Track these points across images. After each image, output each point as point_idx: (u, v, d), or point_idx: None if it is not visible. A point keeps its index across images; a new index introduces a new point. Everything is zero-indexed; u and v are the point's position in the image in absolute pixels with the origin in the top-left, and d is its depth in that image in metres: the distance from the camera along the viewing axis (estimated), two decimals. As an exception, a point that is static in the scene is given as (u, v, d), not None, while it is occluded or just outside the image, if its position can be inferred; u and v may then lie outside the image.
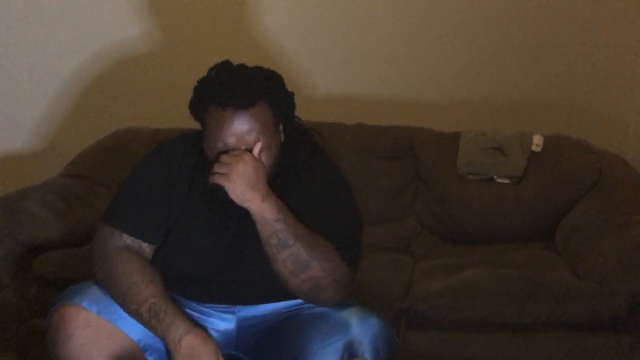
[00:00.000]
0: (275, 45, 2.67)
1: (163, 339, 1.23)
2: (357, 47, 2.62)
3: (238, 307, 1.34)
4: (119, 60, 2.75)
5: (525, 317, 1.60)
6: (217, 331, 1.34)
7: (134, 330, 1.28)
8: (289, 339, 1.24)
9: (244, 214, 1.25)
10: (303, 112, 2.60)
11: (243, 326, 1.34)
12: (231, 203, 1.23)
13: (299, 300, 1.30)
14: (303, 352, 1.19)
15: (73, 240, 2.01)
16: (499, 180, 2.19)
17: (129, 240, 1.29)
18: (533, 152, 2.21)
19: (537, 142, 2.22)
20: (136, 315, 1.24)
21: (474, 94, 2.58)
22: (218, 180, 1.21)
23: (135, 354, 1.30)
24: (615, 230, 1.87)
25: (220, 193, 1.23)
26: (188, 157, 1.35)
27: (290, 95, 1.35)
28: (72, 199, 2.13)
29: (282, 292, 1.28)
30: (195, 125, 1.35)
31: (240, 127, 1.23)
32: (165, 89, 2.69)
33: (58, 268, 1.89)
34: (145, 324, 1.24)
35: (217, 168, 1.22)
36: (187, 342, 1.21)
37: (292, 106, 1.36)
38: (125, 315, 1.27)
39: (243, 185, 1.19)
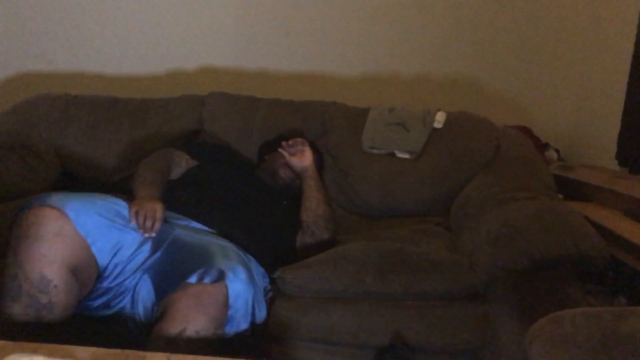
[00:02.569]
0: (184, 18, 2.69)
1: (138, 192, 1.67)
2: (273, 22, 2.63)
3: (195, 222, 1.72)
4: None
5: (386, 287, 1.63)
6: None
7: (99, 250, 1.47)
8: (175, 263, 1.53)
9: (256, 186, 1.98)
10: (217, 85, 2.63)
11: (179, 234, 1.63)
12: (271, 174, 2.06)
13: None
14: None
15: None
16: (400, 155, 2.22)
17: (176, 155, 1.99)
18: (435, 129, 2.25)
19: (439, 118, 2.25)
20: (142, 172, 1.79)
21: (386, 69, 2.60)
22: (302, 147, 2.00)
23: (89, 270, 1.45)
24: (496, 206, 1.87)
25: (272, 171, 2.07)
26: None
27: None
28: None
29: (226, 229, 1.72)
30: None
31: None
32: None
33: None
34: (141, 179, 1.75)
35: (297, 142, 2.01)
36: (148, 199, 1.63)
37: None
38: (94, 232, 1.45)
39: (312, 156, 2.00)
